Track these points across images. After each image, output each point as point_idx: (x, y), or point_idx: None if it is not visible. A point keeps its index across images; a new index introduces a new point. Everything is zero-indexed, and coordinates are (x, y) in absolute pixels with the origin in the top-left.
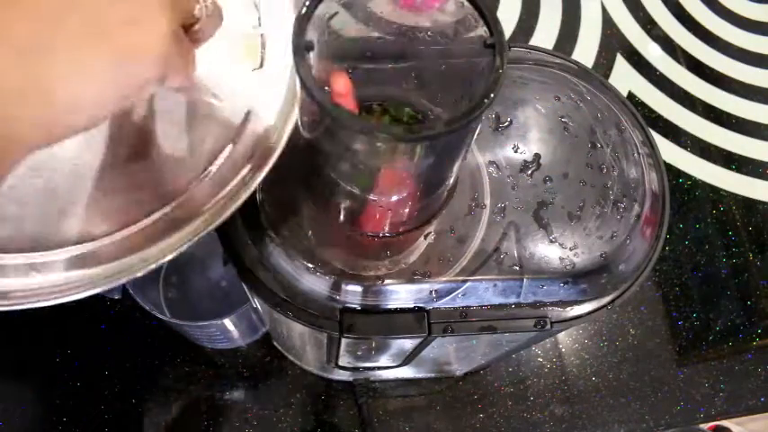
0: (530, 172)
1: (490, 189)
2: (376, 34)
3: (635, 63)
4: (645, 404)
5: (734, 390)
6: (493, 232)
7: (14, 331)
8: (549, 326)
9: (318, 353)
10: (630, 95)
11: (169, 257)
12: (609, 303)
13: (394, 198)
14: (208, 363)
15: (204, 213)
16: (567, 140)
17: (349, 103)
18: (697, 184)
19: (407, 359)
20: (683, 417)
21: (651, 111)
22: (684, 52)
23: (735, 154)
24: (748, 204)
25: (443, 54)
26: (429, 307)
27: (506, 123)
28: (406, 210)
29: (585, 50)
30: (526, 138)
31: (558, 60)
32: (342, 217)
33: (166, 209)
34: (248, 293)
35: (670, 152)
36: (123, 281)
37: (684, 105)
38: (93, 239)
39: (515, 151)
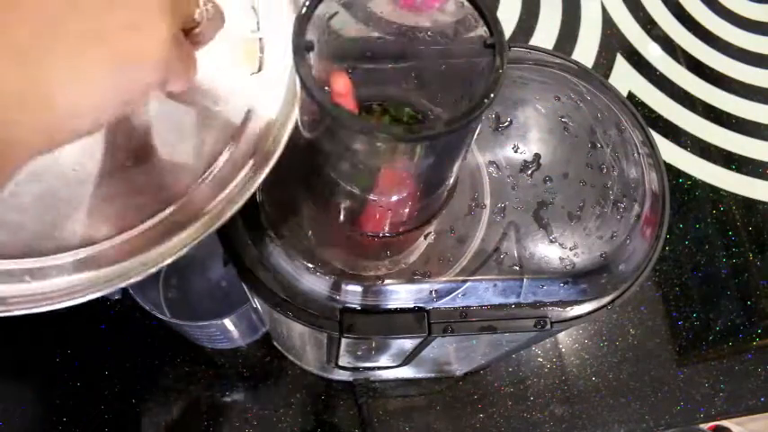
0: (530, 172)
1: (490, 189)
2: (376, 34)
3: (635, 63)
4: (645, 404)
5: (734, 390)
6: (493, 232)
7: (14, 331)
8: (549, 326)
9: (318, 353)
10: (630, 95)
11: (169, 261)
12: (609, 303)
13: (394, 198)
14: (208, 363)
15: (204, 216)
16: (567, 140)
17: (349, 103)
18: (697, 184)
19: (407, 359)
20: (683, 417)
21: (651, 111)
22: (684, 52)
23: (735, 154)
24: (748, 204)
25: (443, 54)
26: (429, 307)
27: (506, 123)
28: (406, 210)
29: (585, 50)
30: (526, 138)
31: (558, 60)
32: (342, 217)
33: (166, 212)
34: (248, 293)
35: (670, 152)
36: (123, 285)
37: (684, 105)
38: (93, 244)
39: (515, 151)
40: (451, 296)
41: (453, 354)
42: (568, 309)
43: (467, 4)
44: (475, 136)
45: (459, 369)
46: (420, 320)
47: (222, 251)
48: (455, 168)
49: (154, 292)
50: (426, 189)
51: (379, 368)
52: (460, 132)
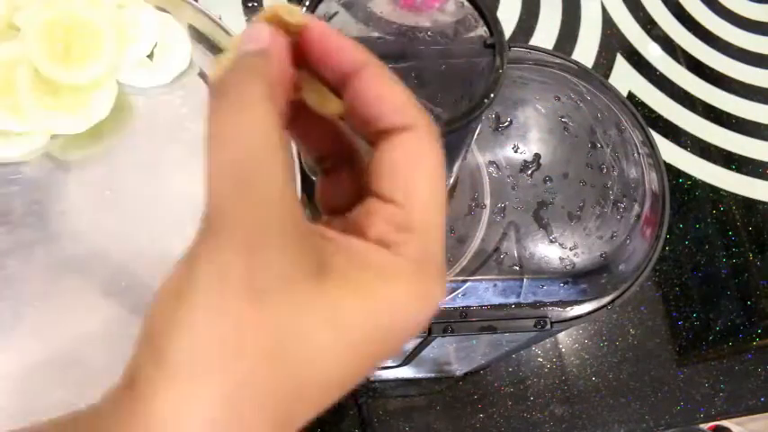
0: (530, 172)
1: (490, 189)
2: (376, 34)
3: (635, 63)
4: (645, 404)
5: (734, 390)
6: (493, 232)
7: None
8: (549, 326)
9: None
10: (630, 95)
11: None
12: (609, 303)
13: None
14: None
15: None
16: (567, 140)
17: None
18: (697, 184)
19: (407, 359)
20: (683, 417)
21: (651, 111)
22: (684, 52)
23: (735, 154)
24: (748, 204)
25: (443, 54)
26: None
27: (506, 123)
28: None
29: (585, 50)
30: (526, 138)
31: (558, 60)
32: None
33: None
34: None
35: (670, 152)
36: None
37: (684, 105)
38: None
39: (515, 151)
40: (451, 296)
41: (453, 354)
42: (568, 309)
43: (467, 4)
44: (475, 136)
45: (459, 369)
46: None
47: None
48: (455, 168)
49: None
50: None
51: (379, 368)
52: (460, 132)
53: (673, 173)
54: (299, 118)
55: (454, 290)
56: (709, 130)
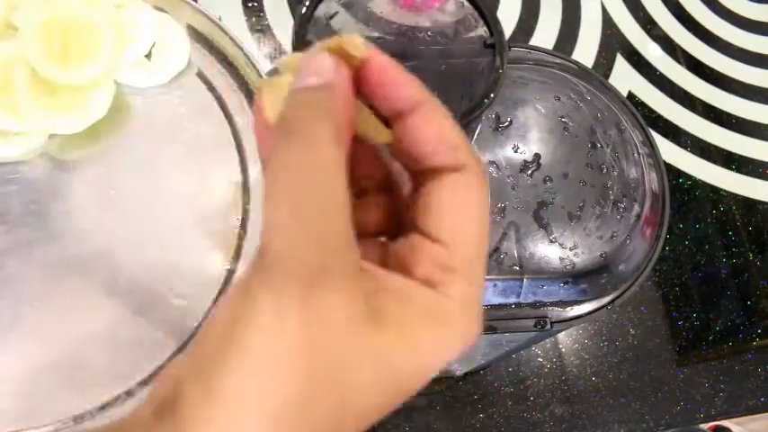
0: (530, 172)
1: (490, 189)
2: (376, 34)
3: (635, 63)
4: (645, 404)
5: (734, 390)
6: (493, 232)
7: None
8: (549, 326)
9: None
10: (630, 95)
11: None
12: (609, 303)
13: None
14: None
15: None
16: (567, 140)
17: None
18: (697, 184)
19: None
20: (683, 417)
21: (651, 111)
22: (684, 52)
23: (735, 154)
24: (748, 204)
25: (443, 54)
26: None
27: (506, 123)
28: None
29: (585, 50)
30: (526, 138)
31: (558, 60)
32: None
33: None
34: None
35: (670, 152)
36: None
37: (684, 105)
38: None
39: (515, 151)
40: None
41: None
42: (568, 309)
43: (467, 4)
44: (475, 136)
45: (459, 369)
46: None
47: None
48: None
49: None
50: None
51: None
52: None
53: (673, 173)
54: None
55: None
56: (709, 130)
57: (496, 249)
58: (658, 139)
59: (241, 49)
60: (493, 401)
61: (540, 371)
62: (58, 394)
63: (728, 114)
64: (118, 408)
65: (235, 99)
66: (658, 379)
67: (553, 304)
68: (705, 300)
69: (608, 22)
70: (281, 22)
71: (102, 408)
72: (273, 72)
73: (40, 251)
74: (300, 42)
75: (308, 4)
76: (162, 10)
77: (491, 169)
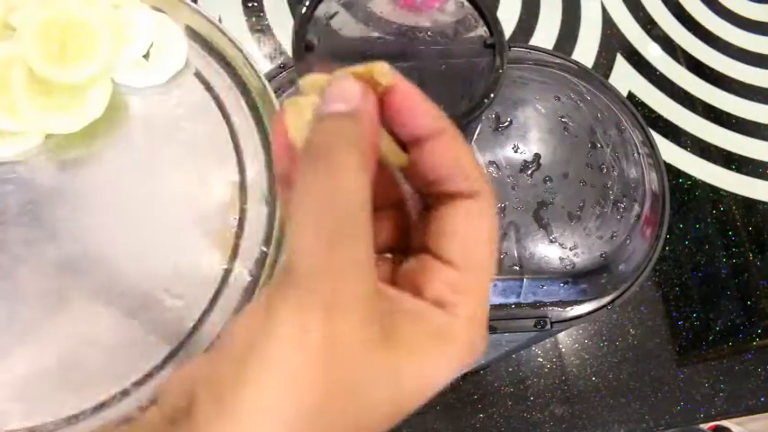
0: (530, 172)
1: None
2: (376, 34)
3: (635, 63)
4: (645, 404)
5: (734, 390)
6: None
7: None
8: (549, 326)
9: None
10: (630, 95)
11: None
12: (609, 303)
13: None
14: None
15: None
16: (567, 140)
17: None
18: (697, 184)
19: None
20: (683, 417)
21: (651, 111)
22: (684, 52)
23: (735, 154)
24: (748, 204)
25: (443, 54)
26: None
27: (506, 123)
28: None
29: (585, 50)
30: (526, 138)
31: (558, 60)
32: None
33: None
34: None
35: (670, 152)
36: None
37: (684, 105)
38: None
39: (515, 151)
40: None
41: None
42: (568, 309)
43: (467, 4)
44: (475, 136)
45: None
46: None
47: None
48: None
49: None
50: None
51: None
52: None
53: (673, 173)
54: None
55: None
56: (710, 130)
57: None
58: (658, 139)
59: (240, 49)
60: (493, 401)
61: (540, 371)
62: (53, 394)
63: (728, 114)
64: (113, 408)
65: (232, 99)
66: (658, 379)
67: (553, 304)
68: (705, 300)
69: (608, 22)
70: (281, 22)
71: (98, 408)
72: (296, 91)
73: (36, 251)
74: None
75: (308, 4)
76: (160, 10)
77: (491, 169)
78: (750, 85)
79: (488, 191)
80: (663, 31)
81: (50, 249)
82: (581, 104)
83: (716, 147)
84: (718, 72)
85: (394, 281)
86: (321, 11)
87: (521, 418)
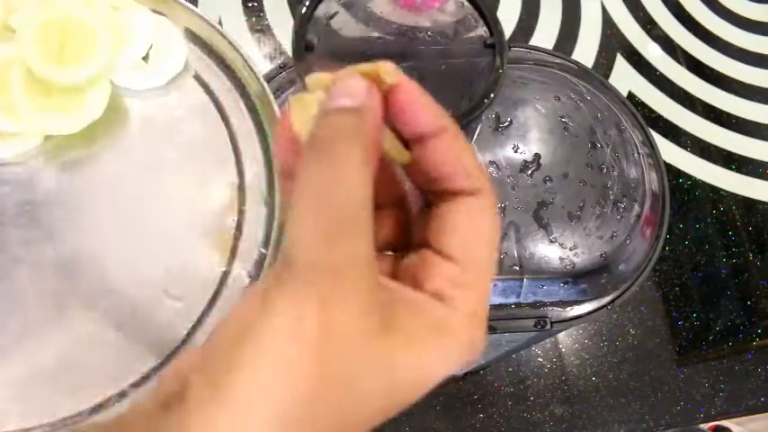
0: (530, 172)
1: None
2: (376, 34)
3: (635, 63)
4: (645, 404)
5: (734, 390)
6: None
7: None
8: (549, 326)
9: None
10: (630, 95)
11: None
12: (609, 303)
13: None
14: None
15: None
16: (567, 140)
17: None
18: (697, 184)
19: None
20: (683, 417)
21: (651, 111)
22: (684, 52)
23: (735, 154)
24: (748, 204)
25: (443, 54)
26: None
27: (506, 123)
28: None
29: (585, 50)
30: (526, 138)
31: (558, 60)
32: None
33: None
34: None
35: (670, 152)
36: None
37: (684, 105)
38: None
39: (515, 151)
40: None
41: None
42: (568, 309)
43: (467, 4)
44: (475, 136)
45: (459, 369)
46: None
47: None
48: None
49: None
50: None
51: None
52: None
53: (673, 173)
54: None
55: None
56: (709, 130)
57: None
58: (658, 139)
59: (239, 52)
60: (493, 401)
61: (540, 371)
62: (50, 395)
63: (728, 114)
64: (111, 410)
65: (232, 101)
66: (658, 379)
67: (553, 304)
68: (705, 300)
69: (608, 22)
70: (281, 22)
71: (95, 409)
72: (302, 88)
73: (34, 252)
74: (300, 42)
75: (308, 4)
76: (159, 13)
77: (491, 169)
78: (750, 85)
79: (489, 189)
80: (663, 31)
81: (48, 250)
82: (581, 104)
83: (716, 147)
84: (718, 72)
85: (395, 275)
86: (321, 11)
87: (521, 418)
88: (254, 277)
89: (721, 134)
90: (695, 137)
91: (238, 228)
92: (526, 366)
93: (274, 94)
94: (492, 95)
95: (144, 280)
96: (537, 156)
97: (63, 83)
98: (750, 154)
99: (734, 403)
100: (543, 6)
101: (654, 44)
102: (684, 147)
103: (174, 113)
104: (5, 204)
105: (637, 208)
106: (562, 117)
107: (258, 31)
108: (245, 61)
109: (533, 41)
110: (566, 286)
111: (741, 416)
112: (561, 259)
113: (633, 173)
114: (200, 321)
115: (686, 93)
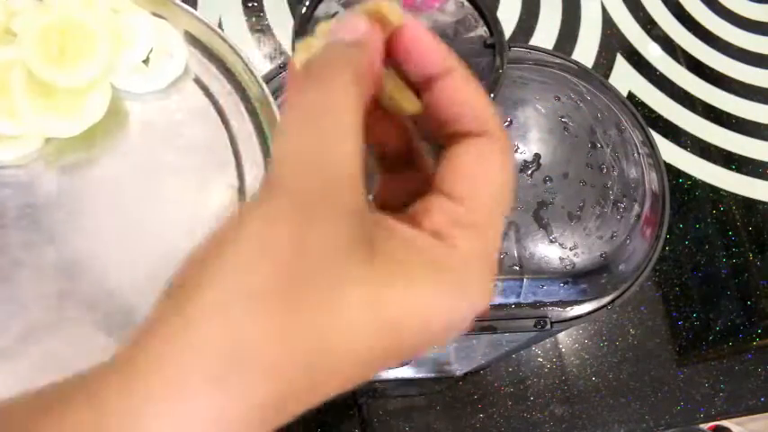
0: (530, 172)
1: None
2: None
3: (635, 63)
4: (645, 404)
5: (734, 390)
6: None
7: None
8: (549, 326)
9: None
10: (630, 95)
11: None
12: (609, 303)
13: None
14: None
15: None
16: (567, 140)
17: None
18: (697, 184)
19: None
20: (683, 417)
21: (651, 111)
22: (684, 52)
23: (735, 154)
24: (748, 204)
25: None
26: None
27: (506, 123)
28: None
29: (585, 50)
30: (526, 138)
31: (558, 60)
32: None
33: None
34: None
35: (670, 152)
36: None
37: (684, 105)
38: None
39: (515, 151)
40: None
41: (453, 354)
42: (568, 309)
43: (467, 4)
44: None
45: (459, 369)
46: None
47: None
48: None
49: None
50: None
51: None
52: None
53: (673, 173)
54: (369, 116)
55: None
56: (709, 130)
57: None
58: (658, 139)
59: (239, 55)
60: (493, 401)
61: (540, 371)
62: None
63: (728, 114)
64: None
65: (232, 104)
66: (658, 379)
67: (553, 304)
68: (705, 300)
69: (608, 22)
70: (281, 22)
71: None
72: (304, 38)
73: (35, 254)
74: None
75: (307, 4)
76: (159, 16)
77: None
78: (750, 85)
79: (501, 130)
80: (663, 31)
81: (50, 253)
82: (581, 104)
83: (716, 147)
84: (718, 72)
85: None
86: (321, 11)
87: (521, 418)
88: None
89: (721, 134)
90: (695, 137)
91: None
92: (526, 366)
93: (274, 94)
94: (492, 95)
95: (144, 282)
96: (537, 156)
97: (64, 86)
98: (750, 154)
99: (734, 403)
100: (543, 6)
101: (654, 44)
102: (684, 147)
103: (175, 116)
104: (6, 207)
105: (637, 208)
106: (562, 117)
107: (258, 31)
108: (245, 64)
109: (533, 41)
110: (566, 286)
111: (741, 416)
112: (561, 259)
113: (633, 173)
114: None
115: (686, 93)
